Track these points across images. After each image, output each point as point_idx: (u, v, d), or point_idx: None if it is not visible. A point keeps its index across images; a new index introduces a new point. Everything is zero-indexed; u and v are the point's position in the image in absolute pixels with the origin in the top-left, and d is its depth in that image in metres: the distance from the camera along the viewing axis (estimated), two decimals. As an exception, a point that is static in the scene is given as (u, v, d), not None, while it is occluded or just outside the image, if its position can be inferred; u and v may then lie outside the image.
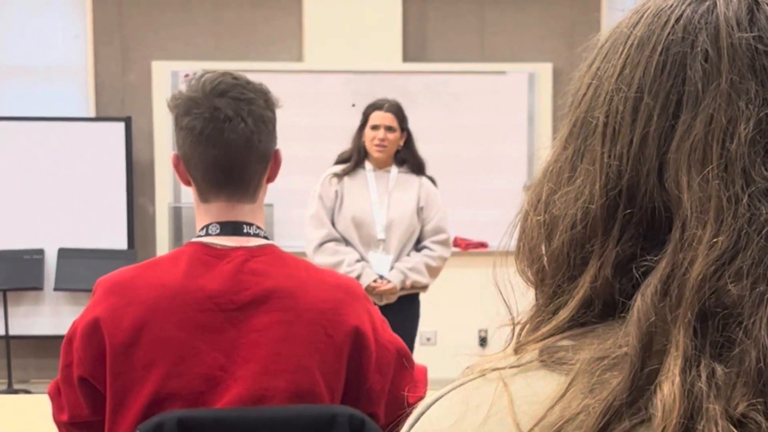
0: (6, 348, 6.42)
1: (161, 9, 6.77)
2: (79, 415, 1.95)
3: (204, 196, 1.98)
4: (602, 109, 0.74)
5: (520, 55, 6.95)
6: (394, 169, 4.63)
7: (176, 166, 2.00)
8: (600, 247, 0.72)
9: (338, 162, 4.69)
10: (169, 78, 6.70)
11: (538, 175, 0.79)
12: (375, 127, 4.54)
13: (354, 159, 4.61)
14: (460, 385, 0.75)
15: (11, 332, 6.43)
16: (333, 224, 4.59)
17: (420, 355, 2.13)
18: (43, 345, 6.42)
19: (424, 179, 4.66)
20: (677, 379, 0.65)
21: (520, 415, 0.70)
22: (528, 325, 0.78)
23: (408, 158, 4.63)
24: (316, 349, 1.90)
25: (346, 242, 4.58)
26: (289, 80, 6.61)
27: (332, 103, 6.68)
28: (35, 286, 6.44)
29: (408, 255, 4.61)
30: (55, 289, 6.45)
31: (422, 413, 0.76)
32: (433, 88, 6.84)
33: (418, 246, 4.67)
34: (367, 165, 4.62)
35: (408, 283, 4.56)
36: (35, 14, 6.73)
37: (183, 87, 1.99)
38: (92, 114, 6.78)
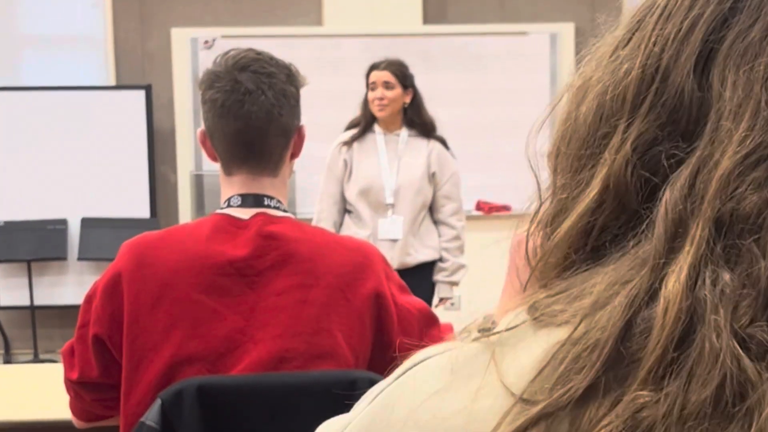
0: (31, 318, 6.47)
1: (179, -25, 6.75)
2: (89, 375, 1.95)
3: (227, 169, 2.00)
4: None
5: (542, 15, 6.88)
6: (404, 132, 4.58)
7: (203, 141, 2.03)
8: (625, 122, 0.71)
9: (348, 128, 4.67)
10: (188, 45, 6.68)
11: (584, 54, 0.79)
12: (373, 86, 4.50)
13: (362, 124, 4.58)
14: (453, 349, 0.72)
15: (36, 302, 6.48)
16: (343, 192, 4.59)
17: (444, 320, 2.11)
18: (67, 314, 6.43)
19: (433, 143, 4.59)
20: (683, 275, 0.63)
21: (511, 379, 0.67)
22: (546, 207, 0.77)
23: (416, 119, 4.56)
24: (336, 312, 1.89)
25: (356, 210, 4.56)
26: (308, 45, 6.58)
27: (352, 68, 6.63)
28: (59, 256, 6.46)
29: (421, 224, 4.59)
30: (79, 259, 6.47)
31: (410, 368, 0.74)
32: (454, 51, 6.79)
33: (434, 216, 4.66)
34: (377, 128, 4.58)
35: (456, 279, 4.70)
36: (53, -17, 6.72)
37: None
38: (112, 83, 6.77)
